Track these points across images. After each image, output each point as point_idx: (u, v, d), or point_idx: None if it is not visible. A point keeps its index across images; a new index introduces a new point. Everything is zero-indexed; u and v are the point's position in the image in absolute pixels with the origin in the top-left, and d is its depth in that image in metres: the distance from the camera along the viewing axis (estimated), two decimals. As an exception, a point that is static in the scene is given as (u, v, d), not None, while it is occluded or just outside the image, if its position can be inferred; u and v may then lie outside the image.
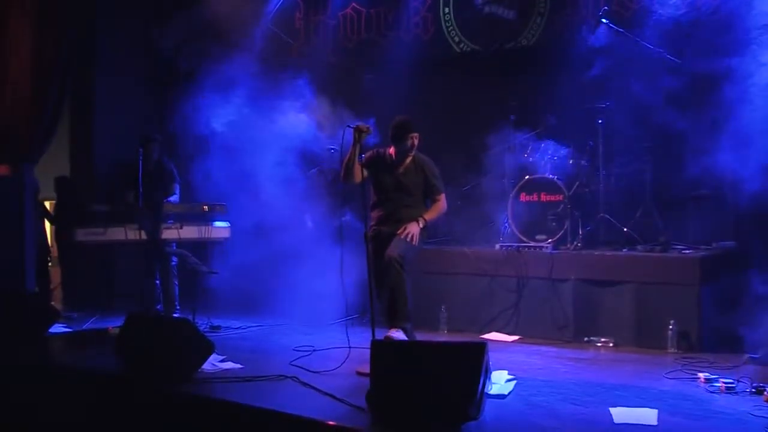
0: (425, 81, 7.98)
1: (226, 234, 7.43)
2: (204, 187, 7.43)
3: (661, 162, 6.70)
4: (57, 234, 8.93)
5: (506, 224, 6.83)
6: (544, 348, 5.90)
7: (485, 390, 3.95)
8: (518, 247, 6.57)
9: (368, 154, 5.54)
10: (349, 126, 5.24)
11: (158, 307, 7.14)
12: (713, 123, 6.37)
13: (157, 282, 7.15)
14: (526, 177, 6.78)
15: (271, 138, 7.46)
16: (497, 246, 6.69)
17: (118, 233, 6.98)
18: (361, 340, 5.15)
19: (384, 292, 5.29)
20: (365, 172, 5.49)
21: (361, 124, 5.28)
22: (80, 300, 8.15)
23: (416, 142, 5.50)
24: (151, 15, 9.26)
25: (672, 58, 6.35)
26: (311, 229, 7.56)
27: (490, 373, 4.19)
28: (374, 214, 5.61)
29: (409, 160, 5.56)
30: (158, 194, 6.95)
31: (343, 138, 5.22)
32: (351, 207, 6.89)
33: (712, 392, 4.44)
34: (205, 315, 6.80)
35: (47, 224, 8.97)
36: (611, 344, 5.90)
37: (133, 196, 6.90)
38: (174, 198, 7.14)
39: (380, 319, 5.24)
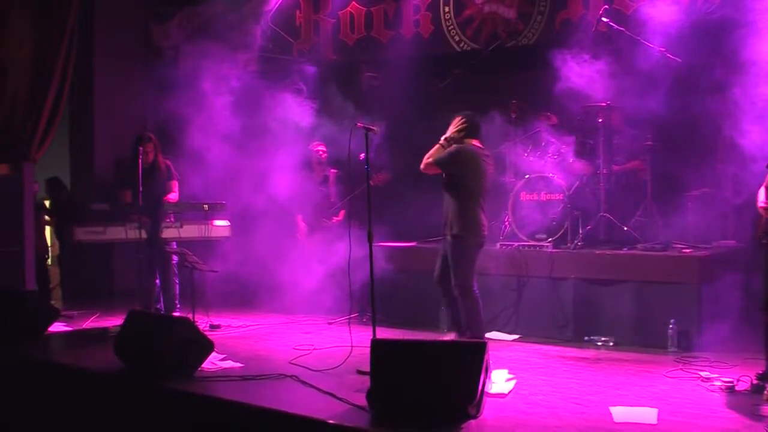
0: (425, 80, 7.96)
1: (226, 233, 7.43)
2: (202, 185, 7.42)
3: (661, 161, 6.69)
4: (56, 233, 8.94)
5: (506, 223, 6.82)
6: (544, 347, 5.89)
7: (485, 389, 3.95)
8: (518, 246, 6.57)
9: None
10: (364, 127, 5.15)
11: (158, 305, 7.13)
12: (713, 122, 6.38)
13: (157, 281, 7.14)
14: (527, 176, 6.77)
15: (269, 136, 7.46)
16: (497, 245, 6.68)
17: (117, 232, 6.98)
18: (361, 339, 5.15)
19: (448, 299, 5.66)
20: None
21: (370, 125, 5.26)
22: (80, 299, 8.17)
23: (451, 133, 5.73)
24: (151, 14, 9.28)
25: (672, 57, 6.34)
26: (307, 227, 7.55)
27: (490, 372, 4.20)
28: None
29: None
30: (157, 193, 6.94)
31: (350, 138, 5.13)
32: (351, 209, 6.90)
33: (712, 392, 4.44)
34: (205, 314, 6.79)
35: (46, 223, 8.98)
36: (611, 344, 5.89)
37: (132, 196, 6.90)
38: (173, 196, 7.13)
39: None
